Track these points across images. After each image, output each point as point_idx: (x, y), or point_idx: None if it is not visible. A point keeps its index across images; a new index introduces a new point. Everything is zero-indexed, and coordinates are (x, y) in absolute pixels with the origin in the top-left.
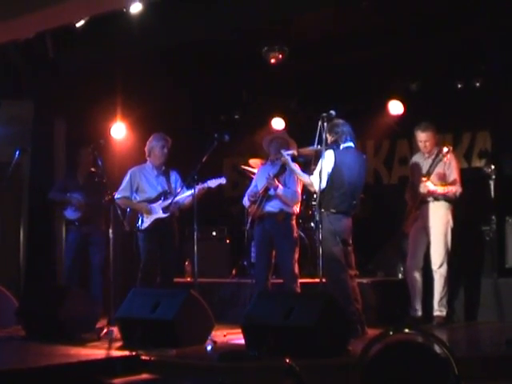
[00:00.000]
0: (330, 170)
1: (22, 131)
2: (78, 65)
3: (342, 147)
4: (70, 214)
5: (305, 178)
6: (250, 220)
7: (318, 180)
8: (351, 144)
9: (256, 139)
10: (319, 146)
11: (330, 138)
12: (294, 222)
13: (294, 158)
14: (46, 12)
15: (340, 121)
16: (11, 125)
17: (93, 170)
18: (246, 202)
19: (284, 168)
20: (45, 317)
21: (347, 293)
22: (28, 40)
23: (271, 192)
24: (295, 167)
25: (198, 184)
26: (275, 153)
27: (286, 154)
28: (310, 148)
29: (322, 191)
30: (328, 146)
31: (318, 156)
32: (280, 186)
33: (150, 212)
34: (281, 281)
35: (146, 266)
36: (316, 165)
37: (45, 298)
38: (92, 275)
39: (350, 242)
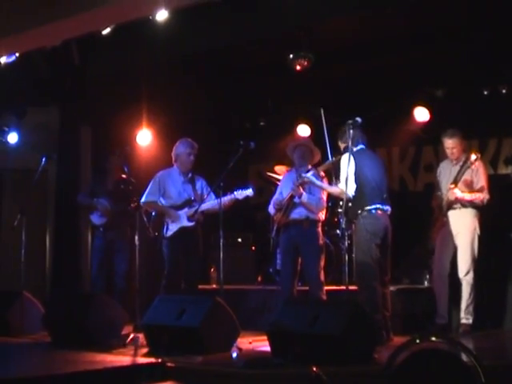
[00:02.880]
0: (354, 171)
1: (48, 138)
2: (104, 72)
3: (354, 150)
4: (96, 219)
5: (334, 189)
6: (275, 227)
7: (349, 185)
8: (363, 146)
9: (281, 146)
10: (334, 158)
11: (342, 145)
12: (319, 229)
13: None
14: (72, 20)
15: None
16: (37, 132)
17: (123, 176)
18: (271, 209)
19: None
20: (71, 323)
21: (376, 300)
22: (54, 48)
23: (296, 200)
24: (321, 183)
25: (224, 192)
26: (299, 160)
27: (312, 175)
28: (327, 162)
29: (355, 193)
30: (343, 152)
31: (337, 167)
32: (304, 194)
33: (176, 219)
34: (306, 288)
35: (171, 273)
36: (337, 175)
37: (71, 305)
38: (116, 283)
39: (389, 242)
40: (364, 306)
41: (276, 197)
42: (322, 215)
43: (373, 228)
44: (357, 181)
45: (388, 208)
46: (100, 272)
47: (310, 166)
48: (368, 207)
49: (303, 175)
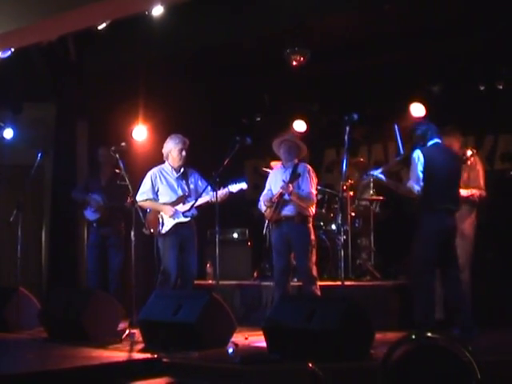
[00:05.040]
0: (422, 169)
1: (45, 134)
2: (100, 67)
3: (428, 145)
4: (90, 214)
5: (402, 187)
6: (266, 224)
7: (414, 183)
8: (437, 140)
9: None
10: (402, 155)
11: (414, 139)
12: (310, 225)
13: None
14: (68, 15)
15: (420, 121)
16: (34, 127)
17: (117, 171)
18: (261, 206)
19: (298, 173)
20: (67, 319)
21: (428, 297)
22: (50, 43)
23: (286, 197)
24: (389, 181)
25: (219, 187)
26: (285, 156)
27: (379, 173)
28: (397, 159)
29: (421, 191)
30: (414, 147)
31: (407, 162)
32: (294, 191)
33: (173, 214)
34: (300, 283)
35: (167, 269)
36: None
37: (67, 300)
38: (111, 279)
39: (454, 241)
40: (417, 304)
41: (265, 193)
42: (312, 210)
43: (435, 228)
44: (425, 178)
45: (455, 208)
46: (95, 268)
47: (296, 161)
48: (435, 206)
49: (371, 173)
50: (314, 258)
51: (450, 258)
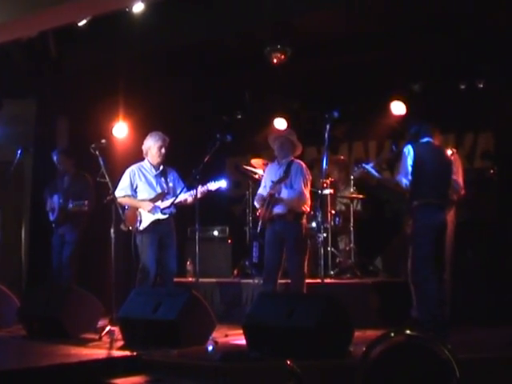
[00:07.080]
0: (411, 163)
1: (25, 130)
2: (81, 64)
3: (420, 142)
4: (50, 216)
5: (390, 181)
6: (260, 223)
7: (402, 177)
8: (429, 139)
9: (258, 139)
10: (394, 149)
11: (407, 137)
12: (303, 221)
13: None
14: (48, 11)
15: (414, 120)
16: (14, 124)
17: (79, 172)
18: (256, 203)
19: (289, 172)
20: (46, 316)
21: (432, 295)
22: (31, 39)
23: (277, 195)
24: (378, 175)
25: (199, 184)
26: (278, 151)
27: (370, 167)
28: (388, 155)
29: (410, 186)
30: (406, 142)
31: (397, 158)
32: (284, 190)
33: (151, 209)
34: (286, 281)
35: (145, 267)
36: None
37: (46, 298)
38: (62, 270)
39: (446, 238)
40: (419, 303)
41: (260, 190)
42: (306, 207)
43: (427, 222)
44: (414, 173)
45: (448, 204)
46: (59, 267)
47: (291, 158)
48: (424, 201)
49: (363, 165)
50: (306, 256)
51: (440, 257)
